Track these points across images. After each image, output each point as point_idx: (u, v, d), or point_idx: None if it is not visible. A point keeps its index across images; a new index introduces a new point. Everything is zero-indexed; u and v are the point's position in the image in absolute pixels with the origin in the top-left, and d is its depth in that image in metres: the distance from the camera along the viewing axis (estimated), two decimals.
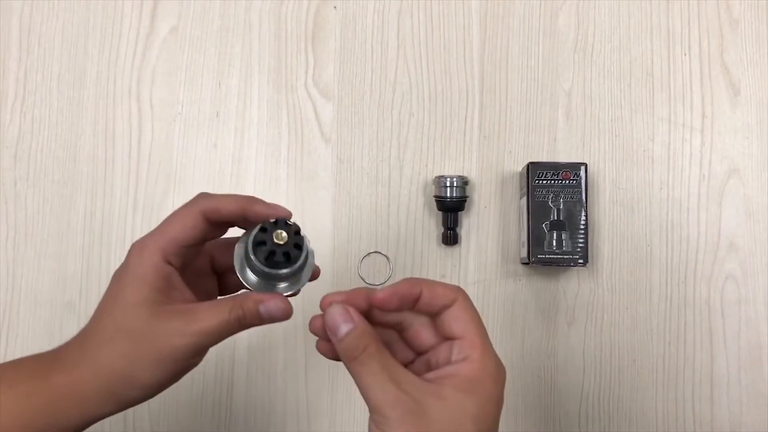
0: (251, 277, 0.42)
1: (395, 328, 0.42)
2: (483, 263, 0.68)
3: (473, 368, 0.37)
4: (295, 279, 0.43)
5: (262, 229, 0.40)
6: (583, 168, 0.64)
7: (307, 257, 0.42)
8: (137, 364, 0.38)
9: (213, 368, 0.67)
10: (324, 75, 0.71)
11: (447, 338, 0.40)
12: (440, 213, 0.68)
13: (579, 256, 0.63)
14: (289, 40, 0.71)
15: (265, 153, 0.70)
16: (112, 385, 0.39)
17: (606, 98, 0.70)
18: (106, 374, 0.38)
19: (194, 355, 0.40)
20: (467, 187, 0.67)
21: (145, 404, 0.66)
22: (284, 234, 0.40)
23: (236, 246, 0.42)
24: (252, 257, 0.40)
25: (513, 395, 0.67)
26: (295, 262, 0.41)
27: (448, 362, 0.39)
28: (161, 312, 0.39)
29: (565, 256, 0.63)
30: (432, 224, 0.69)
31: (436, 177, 0.67)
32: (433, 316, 0.40)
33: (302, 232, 0.41)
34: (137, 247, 0.41)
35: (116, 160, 0.69)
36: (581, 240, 0.63)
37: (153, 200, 0.69)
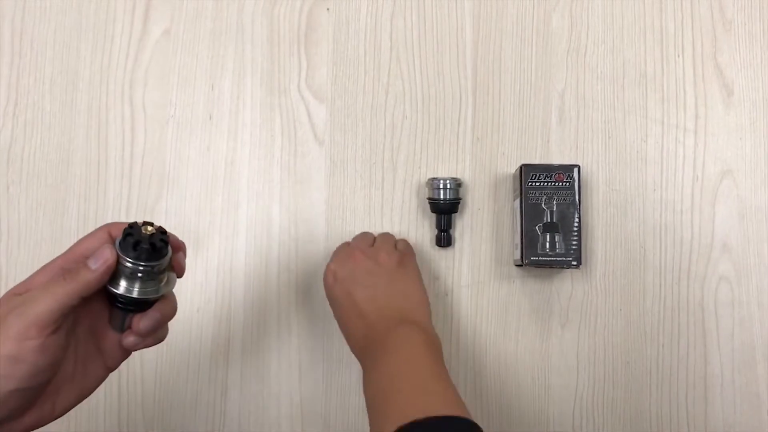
0: (121, 283, 0.43)
1: None
2: (477, 265, 0.68)
3: None
4: (162, 278, 0.45)
5: (130, 226, 0.43)
6: (576, 170, 0.64)
7: (168, 265, 0.45)
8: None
9: (207, 370, 0.67)
10: (317, 77, 0.70)
11: None
12: (434, 215, 0.68)
13: (572, 257, 0.63)
14: (281, 42, 0.71)
15: (258, 155, 0.70)
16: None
17: (599, 100, 0.70)
18: None
19: (37, 334, 0.39)
20: (461, 189, 0.67)
21: (139, 406, 0.66)
22: (151, 227, 0.43)
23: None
24: (129, 261, 0.42)
25: (507, 396, 0.67)
26: (162, 255, 0.43)
27: None
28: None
29: (559, 258, 0.63)
30: (425, 226, 0.69)
31: (429, 179, 0.67)
32: None
33: (169, 234, 0.44)
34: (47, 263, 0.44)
35: (109, 163, 0.69)
36: (574, 242, 0.63)
37: (146, 203, 0.69)
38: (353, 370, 0.67)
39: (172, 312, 0.46)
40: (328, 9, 0.71)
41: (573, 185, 0.64)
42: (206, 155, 0.70)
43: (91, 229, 0.68)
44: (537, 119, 0.70)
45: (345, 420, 0.67)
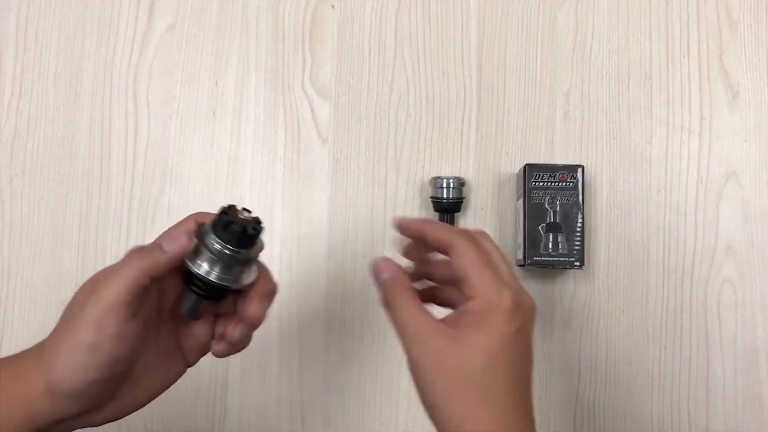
0: (202, 264, 0.41)
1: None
2: None
3: (476, 304, 0.40)
4: (246, 271, 0.43)
5: (228, 207, 0.41)
6: (580, 170, 0.64)
7: (257, 256, 0.43)
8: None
9: (207, 368, 0.67)
10: (321, 74, 0.70)
11: (459, 284, 0.42)
12: (437, 214, 0.67)
13: (575, 258, 0.63)
14: (286, 38, 0.71)
15: (261, 152, 0.70)
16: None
17: (604, 100, 0.70)
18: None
19: (113, 320, 0.39)
20: (464, 189, 0.67)
21: None
22: (248, 213, 0.41)
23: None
24: (217, 242, 0.40)
25: None
26: (251, 244, 0.42)
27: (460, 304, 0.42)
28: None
29: (561, 259, 0.63)
30: None
31: (432, 178, 0.67)
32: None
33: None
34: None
35: (112, 158, 0.69)
36: (577, 242, 0.63)
37: (149, 198, 0.69)
38: (353, 367, 0.67)
39: (260, 320, 0.44)
40: (332, 6, 0.71)
41: (577, 185, 0.63)
42: (209, 151, 0.70)
43: (92, 225, 0.69)
44: (541, 119, 0.69)
45: (345, 418, 0.66)
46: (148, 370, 0.43)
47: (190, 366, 0.46)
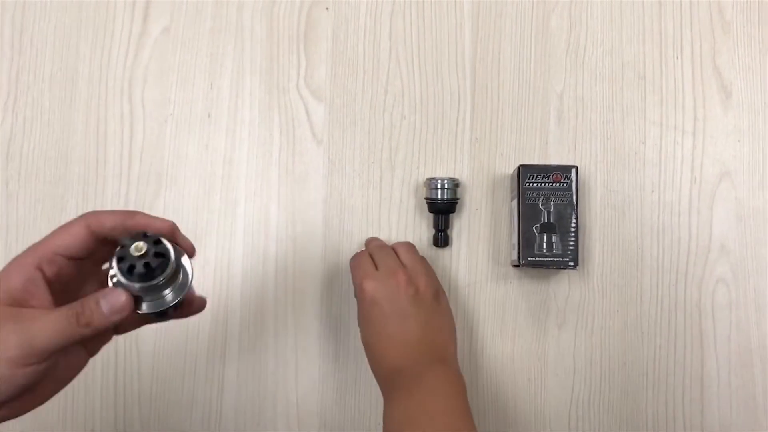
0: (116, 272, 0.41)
1: None
2: (474, 265, 0.68)
3: None
4: (175, 288, 0.42)
5: (122, 246, 0.40)
6: (573, 171, 0.64)
7: (177, 265, 0.42)
8: None
9: (204, 368, 0.67)
10: (316, 76, 0.71)
11: None
12: (431, 215, 0.68)
13: (569, 258, 0.63)
14: (281, 41, 0.71)
15: (256, 154, 0.70)
16: None
17: (598, 101, 0.70)
18: None
19: (36, 362, 0.38)
20: (458, 189, 0.67)
21: (135, 404, 0.66)
22: (142, 244, 0.40)
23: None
24: (134, 284, 0.40)
25: (503, 397, 0.67)
26: (162, 270, 0.40)
27: None
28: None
29: (556, 259, 0.63)
30: (423, 226, 0.69)
31: (427, 179, 0.67)
32: None
33: (165, 242, 0.41)
34: (18, 255, 0.41)
35: (108, 161, 0.69)
36: (572, 243, 0.63)
37: (144, 201, 0.69)
38: (349, 369, 0.67)
39: (199, 309, 0.47)
40: (327, 8, 0.71)
41: (570, 186, 0.64)
42: (205, 153, 0.70)
43: None
44: (535, 120, 0.70)
45: (341, 419, 0.67)
46: (50, 375, 0.41)
47: (93, 355, 0.45)
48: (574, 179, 0.64)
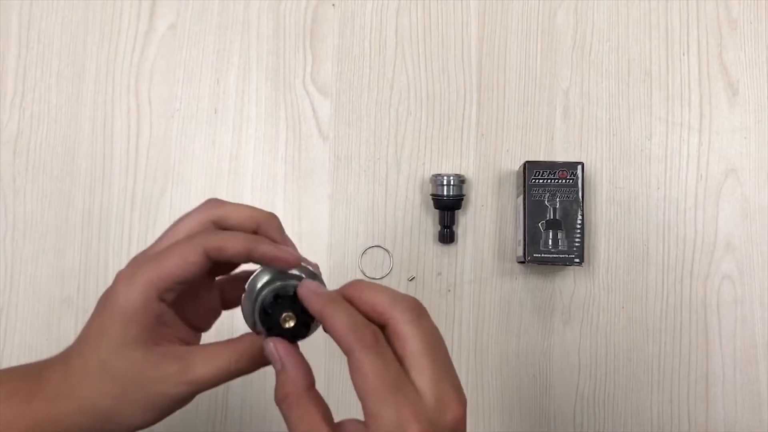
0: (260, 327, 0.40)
1: None
2: (479, 261, 0.68)
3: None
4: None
5: (275, 296, 0.38)
6: (579, 167, 0.64)
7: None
8: (123, 406, 0.36)
9: None
10: (322, 72, 0.71)
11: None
12: (437, 211, 0.68)
13: (575, 255, 0.63)
14: (287, 37, 0.71)
15: (262, 150, 0.70)
16: (94, 423, 0.37)
17: (604, 97, 0.70)
18: (89, 411, 0.36)
19: (186, 401, 0.38)
20: (464, 186, 0.67)
21: None
22: (291, 316, 0.39)
23: (245, 291, 0.40)
24: (259, 325, 0.39)
25: (508, 393, 0.67)
26: (303, 338, 0.39)
27: None
28: (152, 355, 0.36)
29: (561, 255, 0.63)
30: (429, 222, 0.69)
31: (433, 175, 0.67)
32: None
33: (318, 273, 0.40)
34: (126, 278, 0.36)
35: (114, 156, 0.70)
36: (577, 239, 0.63)
37: (151, 196, 0.69)
38: None
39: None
40: (333, 4, 0.71)
41: (576, 183, 0.64)
42: (211, 149, 0.70)
43: (95, 222, 0.69)
44: (541, 116, 0.70)
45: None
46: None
47: (205, 331, 0.44)
48: (580, 176, 0.64)
